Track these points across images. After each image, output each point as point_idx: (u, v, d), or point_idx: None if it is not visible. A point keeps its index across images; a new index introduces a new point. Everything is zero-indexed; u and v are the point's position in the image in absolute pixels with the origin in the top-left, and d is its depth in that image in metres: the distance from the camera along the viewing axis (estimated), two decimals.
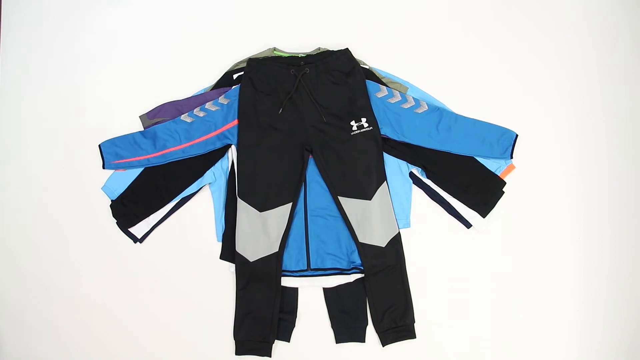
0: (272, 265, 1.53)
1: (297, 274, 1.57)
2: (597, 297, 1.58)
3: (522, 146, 1.63)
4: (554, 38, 1.74)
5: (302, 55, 1.67)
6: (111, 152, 1.65)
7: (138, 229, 1.64)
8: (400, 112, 1.61)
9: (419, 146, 1.60)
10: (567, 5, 1.76)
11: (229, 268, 1.60)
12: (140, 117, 1.70)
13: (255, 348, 1.53)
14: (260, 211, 1.55)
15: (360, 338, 1.55)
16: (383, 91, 1.62)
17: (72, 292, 1.65)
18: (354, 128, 1.58)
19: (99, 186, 1.67)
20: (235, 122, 1.62)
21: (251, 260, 1.54)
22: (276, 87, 1.60)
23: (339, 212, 1.55)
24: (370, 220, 1.54)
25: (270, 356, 1.53)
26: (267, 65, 1.62)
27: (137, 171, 1.65)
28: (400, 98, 1.61)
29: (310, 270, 1.56)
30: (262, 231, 1.54)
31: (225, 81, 1.70)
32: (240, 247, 1.55)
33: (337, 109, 1.59)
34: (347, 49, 1.64)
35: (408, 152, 1.62)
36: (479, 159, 1.61)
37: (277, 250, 1.53)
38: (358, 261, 1.55)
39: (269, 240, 1.54)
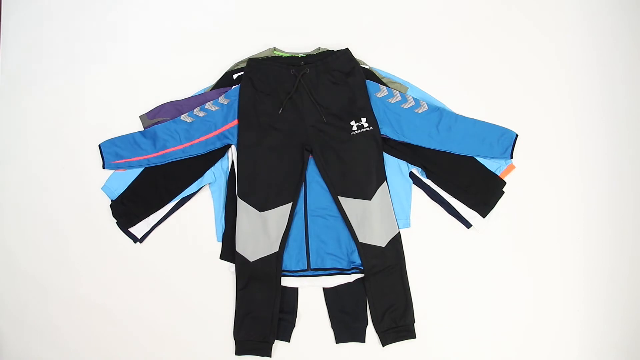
0: (272, 265, 1.53)
1: (297, 274, 1.57)
2: (597, 297, 1.58)
3: (522, 146, 1.63)
4: (554, 38, 1.74)
5: (302, 55, 1.68)
6: (111, 152, 1.65)
7: (138, 229, 1.64)
8: (400, 112, 1.61)
9: (419, 146, 1.60)
10: (567, 5, 1.76)
11: (229, 268, 1.60)
12: (140, 117, 1.70)
13: (255, 348, 1.53)
14: (260, 211, 1.55)
15: (360, 338, 1.55)
16: (383, 91, 1.62)
17: (72, 292, 1.65)
18: (354, 128, 1.58)
19: (99, 186, 1.67)
20: (235, 122, 1.62)
21: (251, 260, 1.54)
22: (276, 87, 1.60)
23: (339, 212, 1.55)
24: (370, 220, 1.54)
25: (270, 356, 1.53)
26: (267, 65, 1.62)
27: (137, 171, 1.65)
28: (400, 98, 1.61)
29: (310, 270, 1.56)
30: (262, 231, 1.54)
31: (225, 81, 1.70)
32: (240, 247, 1.55)
33: (337, 109, 1.59)
34: (347, 49, 1.64)
35: (408, 152, 1.62)
36: (479, 159, 1.61)
37: (277, 250, 1.53)
38: (358, 261, 1.55)
39: (269, 240, 1.54)
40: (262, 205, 1.55)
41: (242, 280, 1.55)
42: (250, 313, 1.54)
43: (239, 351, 1.54)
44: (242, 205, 1.56)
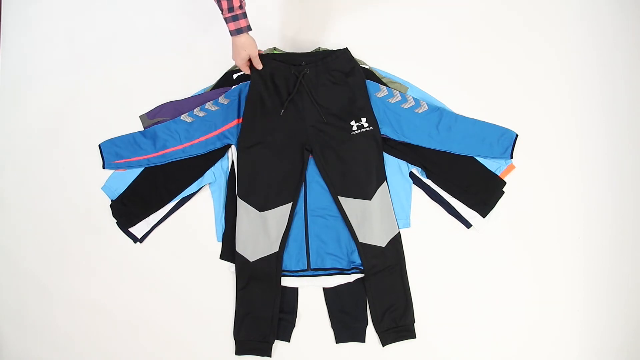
0: (272, 265, 1.53)
1: (297, 274, 1.57)
2: (597, 297, 1.58)
3: (522, 146, 1.63)
4: (553, 38, 1.74)
5: (302, 54, 1.67)
6: (111, 152, 1.65)
7: (138, 229, 1.64)
8: (400, 112, 1.61)
9: (419, 146, 1.60)
10: (567, 6, 1.76)
11: (229, 268, 1.60)
12: (140, 117, 1.70)
13: (255, 348, 1.54)
14: (260, 211, 1.55)
15: (360, 338, 1.55)
16: (383, 91, 1.62)
17: (72, 292, 1.65)
18: (354, 128, 1.58)
19: (99, 186, 1.67)
20: (235, 122, 1.62)
21: (251, 260, 1.54)
22: (278, 87, 1.60)
23: (339, 212, 1.55)
24: (370, 220, 1.54)
25: (270, 356, 1.53)
26: (270, 64, 1.60)
27: (137, 171, 1.65)
28: (400, 98, 1.61)
29: (310, 270, 1.56)
30: (262, 231, 1.54)
31: (225, 81, 1.70)
32: (240, 247, 1.55)
33: (337, 109, 1.59)
34: (346, 48, 1.64)
35: (408, 152, 1.62)
36: (479, 159, 1.61)
37: (277, 250, 1.53)
38: (358, 261, 1.55)
39: (269, 240, 1.54)
40: (262, 205, 1.55)
41: (242, 280, 1.55)
42: (250, 313, 1.54)
43: (239, 351, 1.54)
44: (242, 205, 1.56)
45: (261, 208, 1.55)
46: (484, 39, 1.74)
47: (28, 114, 1.78)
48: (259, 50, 1.56)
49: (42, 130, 1.76)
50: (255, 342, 1.53)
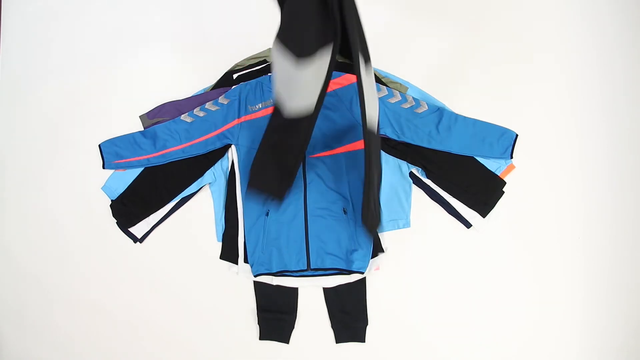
0: (301, 133, 1.35)
1: (297, 274, 1.57)
2: (597, 297, 1.58)
3: (522, 146, 1.63)
4: (553, 38, 1.74)
5: None
6: (111, 152, 1.65)
7: (138, 229, 1.64)
8: (400, 112, 1.61)
9: (419, 146, 1.60)
10: (567, 5, 1.76)
11: (229, 268, 1.60)
12: (140, 117, 1.70)
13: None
14: (298, 57, 1.28)
15: (360, 338, 1.55)
16: (383, 91, 1.62)
17: (72, 292, 1.66)
18: None
19: (99, 186, 1.67)
20: (235, 122, 1.62)
21: (284, 115, 1.34)
22: None
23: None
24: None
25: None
26: None
27: (137, 171, 1.66)
28: (400, 98, 1.61)
29: (310, 270, 1.56)
30: (299, 81, 1.30)
31: (225, 81, 1.70)
32: (277, 94, 1.35)
33: None
34: None
35: (408, 152, 1.62)
36: (479, 159, 1.61)
37: (312, 112, 1.31)
38: (358, 261, 1.55)
39: (306, 93, 1.31)
40: (299, 50, 1.28)
41: (271, 133, 1.41)
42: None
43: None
44: (278, 49, 1.31)
45: (299, 54, 1.28)
46: (483, 39, 1.74)
47: (28, 114, 1.78)
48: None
49: (42, 130, 1.76)
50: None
